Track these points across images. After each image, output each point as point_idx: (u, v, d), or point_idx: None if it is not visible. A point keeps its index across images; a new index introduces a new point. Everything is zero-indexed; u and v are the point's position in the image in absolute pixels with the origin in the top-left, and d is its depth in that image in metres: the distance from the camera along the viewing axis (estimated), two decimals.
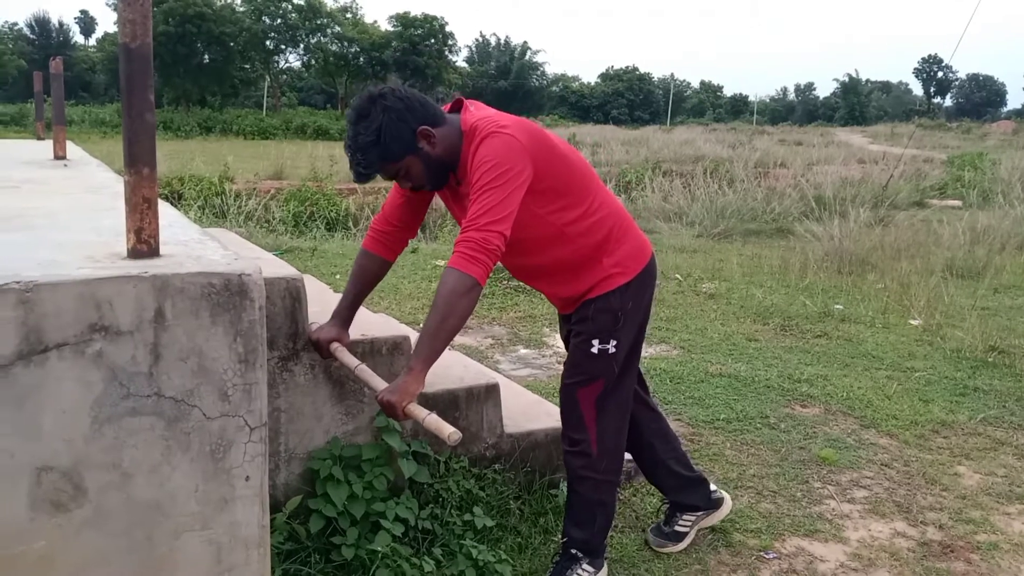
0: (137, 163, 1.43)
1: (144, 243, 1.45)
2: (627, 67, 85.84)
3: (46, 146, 4.25)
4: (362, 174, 2.12)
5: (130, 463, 1.41)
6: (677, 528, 2.74)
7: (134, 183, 1.43)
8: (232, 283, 1.41)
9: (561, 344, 2.79)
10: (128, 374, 1.38)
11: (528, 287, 2.53)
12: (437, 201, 2.49)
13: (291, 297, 2.23)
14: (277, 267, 2.39)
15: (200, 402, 1.43)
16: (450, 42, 56.46)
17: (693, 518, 2.74)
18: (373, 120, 2.06)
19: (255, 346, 1.45)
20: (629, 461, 3.07)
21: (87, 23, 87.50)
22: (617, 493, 2.59)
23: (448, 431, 1.82)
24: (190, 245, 1.62)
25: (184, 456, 1.44)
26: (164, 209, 2.19)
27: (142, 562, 1.46)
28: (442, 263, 7.11)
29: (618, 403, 2.44)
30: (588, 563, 2.45)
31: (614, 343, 2.37)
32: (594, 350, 2.36)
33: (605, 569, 2.51)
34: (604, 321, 2.36)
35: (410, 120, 2.09)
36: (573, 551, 2.45)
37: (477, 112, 2.21)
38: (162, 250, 1.50)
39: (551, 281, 2.42)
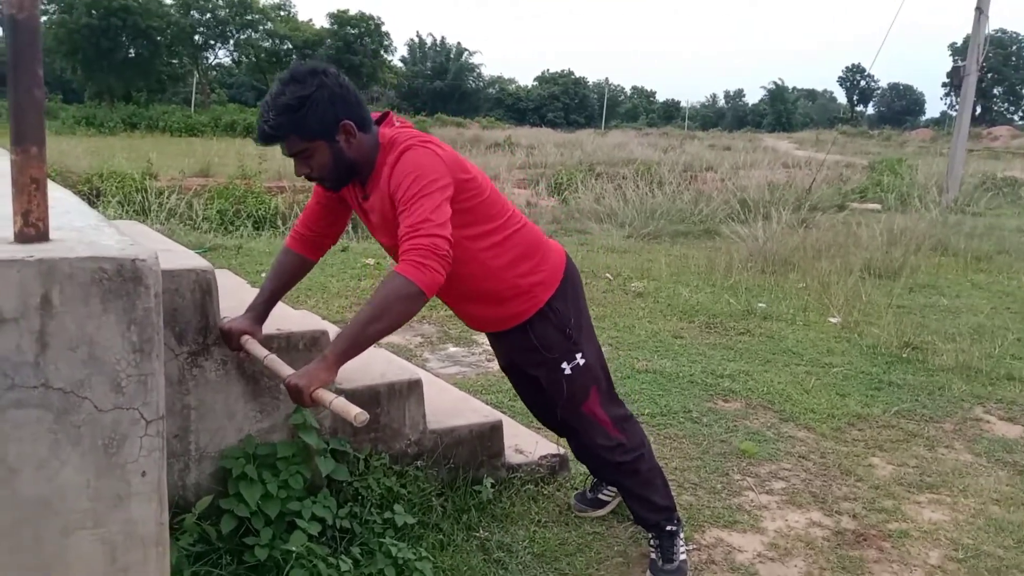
0: (24, 141, 1.35)
1: (32, 226, 1.37)
2: (563, 71, 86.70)
3: None
4: (267, 134, 2.01)
5: (15, 458, 1.33)
6: (600, 497, 2.89)
7: (21, 163, 1.35)
8: (125, 268, 1.34)
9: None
10: (12, 364, 1.30)
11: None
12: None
13: (201, 290, 2.15)
14: (187, 259, 2.31)
15: (91, 394, 1.35)
16: (386, 42, 56.02)
17: (615, 491, 2.85)
18: (305, 88, 1.98)
19: (151, 335, 1.38)
20: (555, 456, 3.10)
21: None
22: (651, 452, 2.67)
23: (354, 412, 1.77)
24: (84, 231, 1.54)
25: (74, 450, 1.36)
26: (65, 196, 2.10)
27: (30, 562, 1.38)
28: (371, 261, 7.02)
29: (611, 388, 2.59)
30: (677, 527, 2.60)
31: (579, 355, 2.43)
32: (568, 371, 2.43)
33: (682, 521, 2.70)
34: (556, 341, 2.41)
35: (339, 108, 2.03)
36: (666, 527, 2.58)
37: (397, 129, 2.17)
38: (54, 235, 1.42)
39: (473, 303, 2.41)
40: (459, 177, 2.13)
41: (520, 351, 2.47)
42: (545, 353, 2.41)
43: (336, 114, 2.02)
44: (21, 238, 1.37)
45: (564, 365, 2.41)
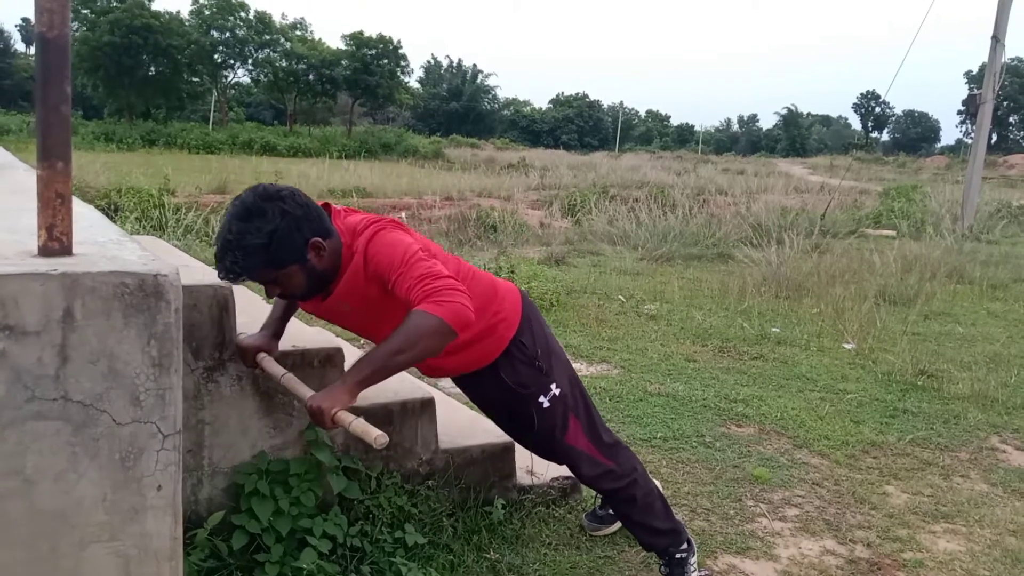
0: (51, 156, 1.37)
1: (56, 240, 1.39)
2: (577, 94, 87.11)
3: None
4: (239, 274, 1.92)
5: (33, 470, 1.34)
6: (611, 512, 2.86)
7: (47, 178, 1.37)
8: (147, 284, 1.36)
9: None
10: (33, 376, 1.31)
11: None
12: None
13: (218, 306, 2.17)
14: (205, 275, 2.33)
15: (110, 407, 1.36)
16: (403, 63, 56.47)
17: None
18: (268, 222, 1.90)
19: (170, 350, 1.39)
20: (567, 478, 3.08)
21: (29, 31, 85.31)
22: (645, 476, 2.65)
23: (374, 434, 1.78)
24: (107, 246, 1.56)
25: (92, 463, 1.37)
26: (87, 211, 2.12)
27: (45, 574, 1.38)
28: None
29: (591, 415, 2.55)
30: (687, 553, 2.58)
31: (554, 385, 2.44)
32: (546, 404, 2.43)
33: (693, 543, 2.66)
34: (528, 376, 2.41)
35: (305, 229, 1.97)
36: (676, 555, 2.56)
37: (350, 215, 2.17)
38: (77, 249, 1.44)
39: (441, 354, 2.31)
40: (421, 243, 2.13)
41: (495, 393, 2.46)
42: (520, 391, 2.41)
43: (303, 236, 1.97)
44: (45, 252, 1.39)
45: (541, 399, 2.42)
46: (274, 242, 1.92)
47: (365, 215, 2.17)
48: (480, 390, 2.54)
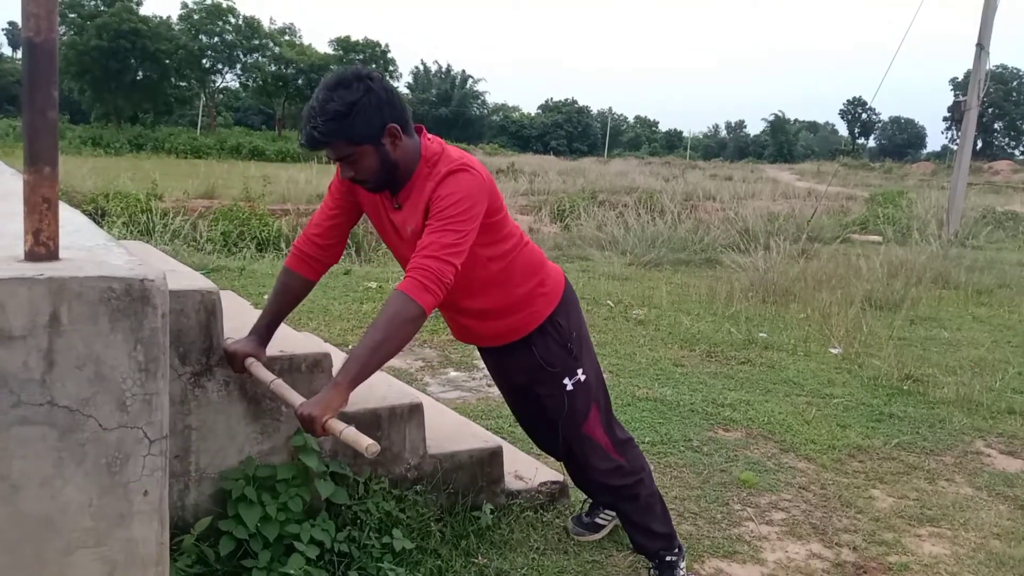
0: (38, 161, 1.37)
1: (42, 245, 1.39)
2: (566, 99, 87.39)
3: None
4: (316, 139, 2.01)
5: (19, 475, 1.34)
6: (597, 520, 2.89)
7: (34, 182, 1.37)
8: (133, 288, 1.36)
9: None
10: (19, 381, 1.31)
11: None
12: (370, 224, 2.45)
13: (206, 311, 2.16)
14: (193, 280, 2.32)
15: (96, 412, 1.36)
16: (391, 68, 56.47)
17: (613, 514, 2.86)
18: (353, 93, 1.99)
19: (156, 355, 1.39)
20: (555, 483, 3.09)
21: (15, 35, 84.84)
22: (651, 478, 2.68)
23: (366, 443, 1.78)
24: (94, 251, 1.56)
25: (78, 468, 1.37)
26: (73, 216, 2.12)
27: None
28: (374, 285, 7.04)
29: (609, 409, 2.60)
30: (677, 557, 2.60)
31: (580, 370, 2.48)
32: (569, 387, 2.46)
33: (683, 548, 2.68)
34: (558, 356, 2.45)
35: (386, 112, 2.04)
36: (666, 558, 2.59)
37: (439, 144, 2.22)
38: (64, 254, 1.44)
39: (477, 315, 2.42)
40: (492, 195, 2.20)
41: (523, 369, 2.49)
42: (548, 368, 2.44)
43: (383, 118, 2.04)
44: (31, 256, 1.39)
45: (566, 380, 2.45)
46: (354, 113, 1.98)
47: (459, 153, 2.20)
48: (507, 364, 2.55)
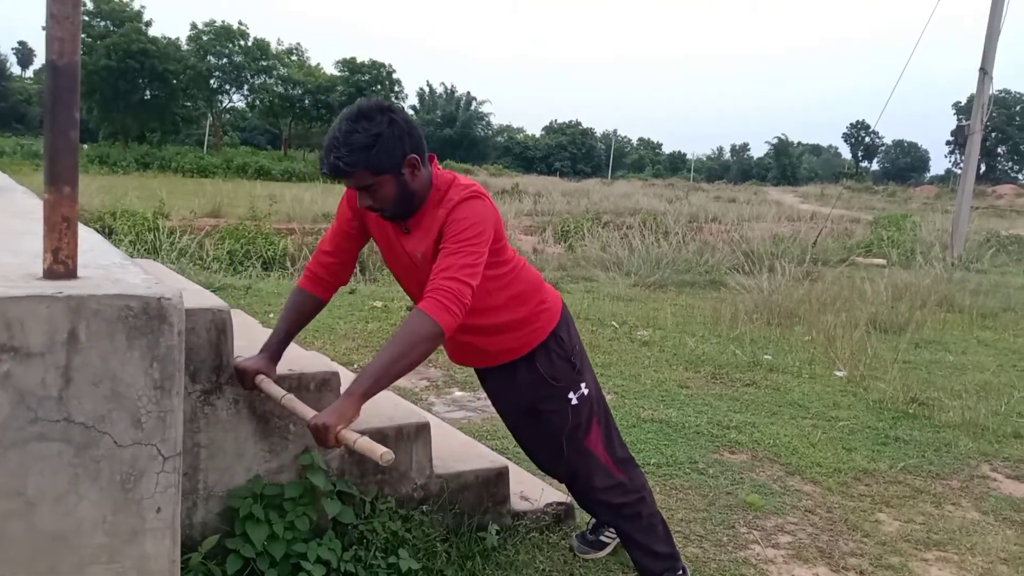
0: (58, 181, 1.40)
1: (61, 263, 1.41)
2: (571, 121, 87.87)
3: None
4: (340, 169, 2.06)
5: (35, 491, 1.35)
6: (601, 539, 2.89)
7: (54, 202, 1.40)
8: (150, 307, 1.38)
9: None
10: (37, 398, 1.33)
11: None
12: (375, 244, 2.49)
13: (216, 329, 2.18)
14: (203, 298, 2.34)
15: (112, 429, 1.38)
16: (396, 89, 56.85)
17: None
18: (376, 125, 2.05)
19: (172, 372, 1.41)
20: (560, 504, 3.09)
21: (25, 54, 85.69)
22: (652, 498, 2.70)
23: (380, 451, 1.79)
24: (110, 269, 1.58)
25: (93, 485, 1.38)
26: (88, 234, 2.14)
27: None
28: (379, 304, 7.06)
29: (610, 426, 2.63)
30: None
31: (584, 385, 2.52)
32: (575, 401, 2.50)
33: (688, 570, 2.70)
34: (562, 370, 2.49)
35: (407, 143, 2.11)
36: None
37: (451, 173, 2.29)
38: (81, 272, 1.46)
39: (481, 334, 2.44)
40: (495, 227, 2.26)
41: (528, 386, 2.50)
42: (554, 383, 2.47)
43: (404, 149, 2.10)
44: (50, 274, 1.41)
45: (571, 395, 2.49)
46: (378, 145, 2.04)
47: (468, 181, 2.27)
48: (512, 384, 2.55)
